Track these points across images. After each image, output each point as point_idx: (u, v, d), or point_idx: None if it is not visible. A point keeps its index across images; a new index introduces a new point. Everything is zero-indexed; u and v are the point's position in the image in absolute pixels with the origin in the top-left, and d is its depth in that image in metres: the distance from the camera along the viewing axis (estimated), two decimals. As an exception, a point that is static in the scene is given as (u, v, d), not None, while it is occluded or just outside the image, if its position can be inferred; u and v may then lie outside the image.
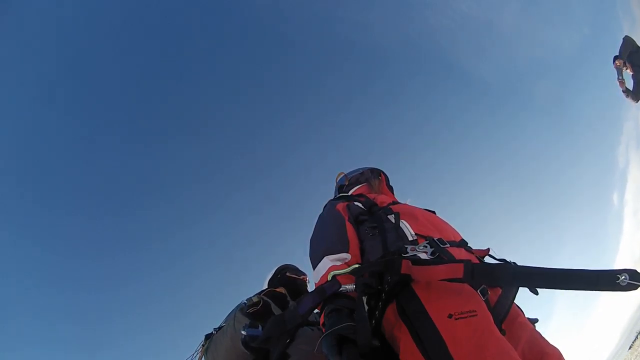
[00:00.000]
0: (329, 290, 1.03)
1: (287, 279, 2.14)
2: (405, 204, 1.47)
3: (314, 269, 1.21)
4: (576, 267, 0.87)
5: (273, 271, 2.23)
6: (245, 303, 1.82)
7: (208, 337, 1.81)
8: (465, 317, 0.89)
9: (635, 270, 0.78)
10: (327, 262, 1.15)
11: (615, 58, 5.11)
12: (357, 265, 1.11)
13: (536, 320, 1.12)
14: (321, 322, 1.05)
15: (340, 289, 1.03)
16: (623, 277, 0.78)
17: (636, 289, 0.78)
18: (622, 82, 5.12)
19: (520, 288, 1.00)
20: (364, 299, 1.03)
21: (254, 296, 1.88)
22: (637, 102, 5.15)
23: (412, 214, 1.28)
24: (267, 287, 2.07)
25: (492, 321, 0.91)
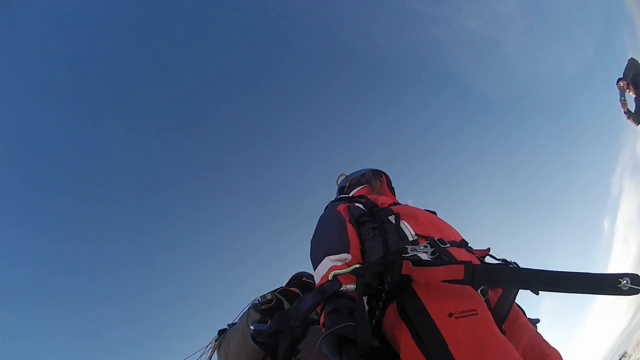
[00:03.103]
0: (329, 289, 1.04)
1: (302, 283, 2.16)
2: (407, 204, 1.46)
3: (314, 269, 1.22)
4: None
5: (290, 278, 2.25)
6: (259, 300, 1.85)
7: (221, 332, 1.87)
8: (466, 316, 0.89)
9: (637, 275, 0.78)
10: (327, 262, 1.16)
11: (619, 80, 5.07)
12: (358, 265, 1.12)
13: (537, 321, 1.11)
14: (321, 322, 1.05)
15: (341, 288, 1.04)
16: (625, 281, 0.78)
17: (637, 293, 0.78)
18: (624, 103, 5.11)
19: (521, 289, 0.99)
20: (365, 299, 1.03)
21: (267, 293, 1.92)
22: (637, 124, 5.11)
23: (413, 215, 1.28)
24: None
25: (493, 320, 0.91)
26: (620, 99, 5.11)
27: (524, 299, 1.04)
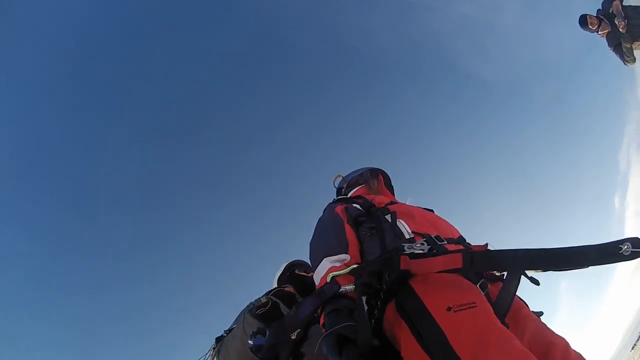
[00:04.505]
0: (328, 291, 1.03)
1: (295, 277, 2.13)
2: (404, 203, 1.47)
3: (314, 271, 1.23)
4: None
5: (282, 268, 2.22)
6: (253, 304, 1.83)
7: (219, 339, 1.84)
8: (465, 309, 0.88)
9: (637, 238, 0.77)
10: (326, 263, 1.16)
11: (585, 17, 4.36)
12: (355, 265, 1.12)
13: (541, 313, 1.10)
14: (321, 323, 1.05)
15: (340, 289, 1.04)
16: (626, 246, 0.77)
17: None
18: (622, 25, 4.13)
19: (521, 284, 0.98)
20: (364, 298, 1.03)
21: (262, 297, 1.90)
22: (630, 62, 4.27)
23: (409, 213, 1.29)
24: (276, 285, 2.07)
25: (492, 312, 0.90)
26: (617, 19, 4.15)
27: (540, 285, 1.01)
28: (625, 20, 4.13)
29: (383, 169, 1.93)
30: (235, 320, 1.86)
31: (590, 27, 4.37)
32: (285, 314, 1.79)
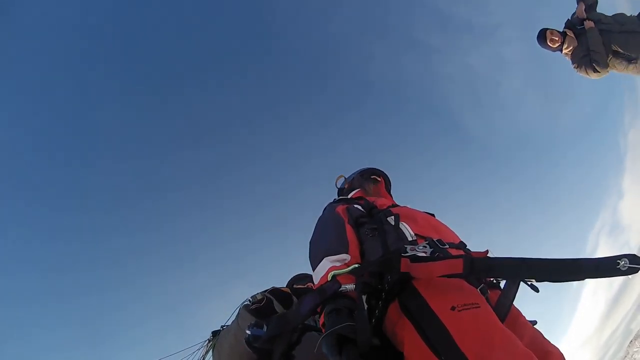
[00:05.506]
0: (329, 290, 1.03)
1: (295, 291, 2.09)
2: (406, 206, 1.48)
3: (313, 270, 1.22)
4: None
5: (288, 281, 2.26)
6: (249, 300, 1.88)
7: (215, 333, 1.89)
8: (469, 309, 0.89)
9: (635, 255, 0.78)
10: (326, 263, 1.16)
11: (544, 32, 3.43)
12: (356, 265, 1.12)
13: (535, 322, 1.12)
14: (321, 323, 1.06)
15: (340, 288, 1.03)
16: (623, 262, 0.78)
17: (637, 272, 0.79)
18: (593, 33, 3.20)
19: (520, 290, 0.99)
20: (364, 298, 1.03)
21: (258, 294, 1.95)
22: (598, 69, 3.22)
23: (412, 216, 1.29)
24: None
25: (494, 314, 0.92)
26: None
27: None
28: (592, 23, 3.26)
29: (384, 171, 1.94)
30: (230, 316, 1.90)
31: (550, 44, 3.40)
32: (278, 311, 1.85)
